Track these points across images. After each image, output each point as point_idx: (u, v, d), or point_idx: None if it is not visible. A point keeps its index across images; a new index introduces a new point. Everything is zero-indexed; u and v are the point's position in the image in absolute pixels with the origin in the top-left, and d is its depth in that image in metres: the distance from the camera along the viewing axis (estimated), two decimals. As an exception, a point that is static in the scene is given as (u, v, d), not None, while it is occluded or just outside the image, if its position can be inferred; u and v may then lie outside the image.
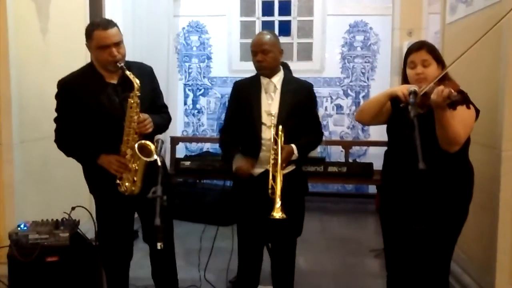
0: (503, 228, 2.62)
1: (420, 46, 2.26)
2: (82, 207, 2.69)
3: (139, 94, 2.37)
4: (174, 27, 6.16)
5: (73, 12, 3.49)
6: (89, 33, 2.39)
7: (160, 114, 2.64)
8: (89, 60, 3.59)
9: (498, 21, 2.14)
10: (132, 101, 2.37)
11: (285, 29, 6.13)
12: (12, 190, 2.91)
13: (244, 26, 6.22)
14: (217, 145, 6.17)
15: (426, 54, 2.22)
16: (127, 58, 2.48)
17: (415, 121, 1.95)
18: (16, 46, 2.84)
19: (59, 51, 3.26)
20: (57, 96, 2.50)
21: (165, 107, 2.76)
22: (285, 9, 6.17)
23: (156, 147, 2.22)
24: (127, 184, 2.43)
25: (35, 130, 3.04)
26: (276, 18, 6.19)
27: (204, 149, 6.19)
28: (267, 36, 2.60)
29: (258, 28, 6.16)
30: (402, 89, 2.17)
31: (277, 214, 2.36)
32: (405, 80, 2.32)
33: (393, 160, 2.39)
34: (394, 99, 2.28)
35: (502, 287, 2.63)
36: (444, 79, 2.10)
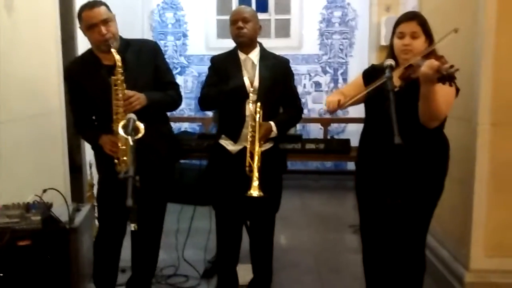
0: (478, 201, 2.65)
1: (412, 17, 2.23)
2: (55, 189, 2.61)
3: (121, 71, 2.33)
4: (148, 3, 6.00)
5: (40, -12, 3.35)
6: (79, 15, 2.41)
7: (165, 91, 2.57)
8: (58, 39, 3.53)
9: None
10: (115, 78, 2.34)
11: (262, 5, 6.03)
12: (-19, 174, 2.82)
13: (220, 2, 6.10)
14: (195, 125, 6.14)
15: (416, 26, 2.18)
16: None
17: (391, 95, 1.93)
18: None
19: (27, 30, 3.12)
20: (64, 82, 2.69)
21: (173, 83, 2.66)
22: (262, -16, 6.07)
23: (127, 126, 2.14)
24: (122, 164, 2.40)
25: (5, 112, 2.94)
26: (253, -6, 6.09)
27: (182, 129, 6.12)
28: (247, 8, 2.61)
29: (235, 4, 6.06)
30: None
31: (255, 192, 2.35)
32: (391, 50, 2.28)
33: (369, 135, 2.38)
34: (367, 76, 2.28)
35: (476, 260, 2.68)
36: (431, 54, 2.08)
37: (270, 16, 6.06)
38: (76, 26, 3.77)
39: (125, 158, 2.38)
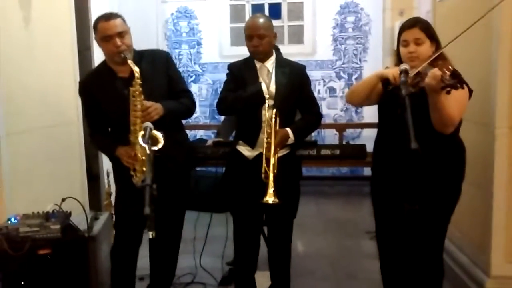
0: (497, 206, 2.61)
1: (413, 23, 2.22)
2: (73, 198, 2.64)
3: (140, 82, 2.36)
4: (163, 13, 6.08)
5: (57, 1, 3.41)
6: (95, 26, 2.45)
7: (179, 99, 2.60)
8: (75, 50, 3.58)
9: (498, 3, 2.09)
10: (133, 89, 2.36)
11: (275, 12, 6.05)
12: (1, 183, 2.86)
13: (233, 10, 6.13)
14: (210, 132, 6.15)
15: (419, 32, 2.17)
16: None
17: (406, 100, 1.92)
18: (-1, 37, 2.77)
19: (43, 41, 3.18)
20: (79, 94, 2.65)
21: (186, 91, 2.70)
22: (274, -9, 6.09)
23: (144, 135, 2.17)
24: (138, 175, 2.43)
25: (22, 122, 2.98)
26: (266, 1, 6.11)
27: (198, 137, 6.15)
28: (261, 20, 2.55)
29: (248, 12, 6.08)
30: (393, 72, 2.13)
31: (270, 198, 2.34)
32: (398, 58, 2.28)
33: (384, 141, 2.36)
34: (385, 79, 2.26)
35: (497, 265, 2.64)
36: (438, 59, 2.06)
37: (283, 23, 6.08)
38: (92, 37, 3.82)
39: (144, 168, 2.38)
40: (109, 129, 2.64)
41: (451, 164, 2.25)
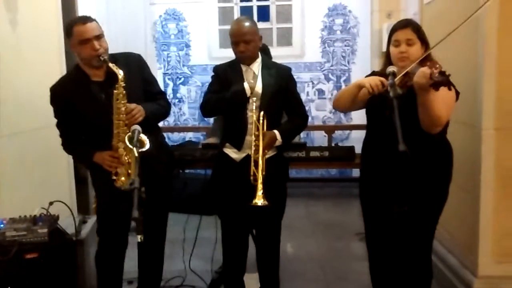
0: (484, 207, 2.63)
1: (406, 24, 2.25)
2: (61, 202, 2.62)
3: (124, 84, 2.34)
4: (151, 15, 6.05)
5: (44, 3, 3.38)
6: (69, 30, 2.38)
7: (156, 101, 2.59)
8: (62, 52, 3.56)
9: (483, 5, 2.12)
10: (117, 92, 2.34)
11: (263, 14, 6.06)
12: (-12, 187, 2.83)
13: (222, 12, 6.13)
14: (199, 134, 6.14)
15: (411, 33, 2.20)
16: None
17: (394, 102, 1.94)
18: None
19: (31, 43, 3.16)
20: (51, 103, 2.53)
21: (161, 93, 2.71)
22: (263, -6, 6.10)
23: (133, 138, 2.16)
24: (122, 178, 2.41)
25: (10, 125, 2.96)
26: (255, 3, 6.11)
27: (187, 139, 6.13)
28: (247, 24, 2.53)
29: (236, 14, 6.08)
30: (370, 81, 2.16)
31: (259, 201, 2.34)
32: (388, 58, 2.29)
33: (372, 143, 2.38)
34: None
35: (485, 266, 2.66)
36: (426, 60, 2.08)
37: (271, 25, 6.09)
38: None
39: (129, 171, 2.38)
40: (83, 137, 2.56)
41: (439, 166, 2.26)
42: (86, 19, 2.38)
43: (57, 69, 3.48)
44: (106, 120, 2.38)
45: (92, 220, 3.03)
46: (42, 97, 3.24)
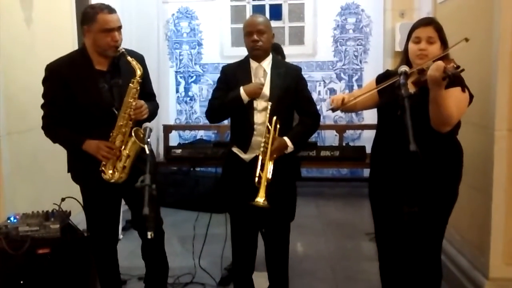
0: (496, 208, 2.61)
1: (429, 22, 2.23)
2: (73, 198, 2.65)
3: (140, 80, 2.38)
4: (163, 13, 6.08)
5: (58, 1, 3.42)
6: (92, 16, 2.35)
7: (150, 101, 2.61)
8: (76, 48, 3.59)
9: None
10: (132, 87, 2.37)
11: (276, 13, 6.05)
12: (1, 183, 2.87)
13: (234, 11, 6.13)
14: (211, 132, 6.16)
15: (433, 31, 2.18)
16: None
17: (406, 102, 1.93)
18: (0, 37, 2.78)
19: (45, 41, 3.20)
20: (45, 81, 2.44)
21: (153, 95, 2.73)
22: (276, -8, 6.09)
23: (144, 135, 2.18)
24: (110, 172, 2.40)
25: (22, 121, 3.00)
26: (267, 1, 6.10)
27: (198, 137, 6.15)
28: (261, 18, 2.58)
29: (248, 13, 6.07)
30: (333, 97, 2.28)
31: (260, 199, 2.35)
32: (406, 55, 2.28)
33: (383, 142, 2.37)
34: (381, 81, 2.30)
35: (496, 268, 2.63)
36: (443, 59, 2.07)
37: (284, 24, 6.07)
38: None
39: (124, 165, 2.39)
40: (71, 122, 2.45)
41: (448, 166, 2.25)
42: (112, 9, 2.39)
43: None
44: (103, 109, 2.38)
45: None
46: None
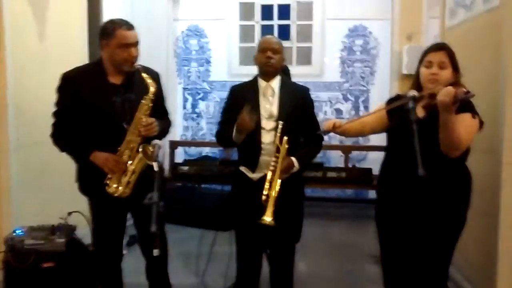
0: (504, 234, 2.59)
1: (441, 47, 2.26)
2: (79, 212, 2.66)
3: (152, 97, 2.40)
4: (173, 30, 6.15)
5: (71, 17, 3.48)
6: (111, 31, 2.40)
7: (162, 119, 2.63)
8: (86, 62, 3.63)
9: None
10: (144, 103, 2.40)
11: (284, 33, 6.10)
12: (8, 195, 2.89)
13: (243, 30, 6.20)
14: (216, 150, 6.17)
15: (445, 57, 2.20)
16: None
17: (414, 127, 1.94)
18: (13, 51, 2.82)
19: (57, 56, 3.25)
20: (59, 90, 2.47)
21: (167, 113, 2.75)
22: (284, 13, 6.14)
23: (153, 153, 2.20)
24: (114, 185, 2.40)
25: (32, 134, 3.03)
26: (276, 22, 6.17)
27: (204, 153, 6.16)
28: (277, 39, 2.67)
29: (257, 32, 6.14)
30: None
31: (268, 218, 2.35)
32: (417, 78, 2.30)
33: (391, 165, 2.37)
34: (391, 102, 2.33)
35: (503, 294, 2.61)
36: (454, 85, 2.09)
37: (292, 44, 6.13)
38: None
39: (129, 180, 2.40)
40: (81, 133, 2.47)
41: (457, 192, 2.24)
42: (131, 25, 2.44)
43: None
44: (114, 123, 2.40)
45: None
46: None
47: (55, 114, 2.50)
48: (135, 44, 2.43)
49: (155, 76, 2.58)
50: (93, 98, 2.41)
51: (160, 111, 2.63)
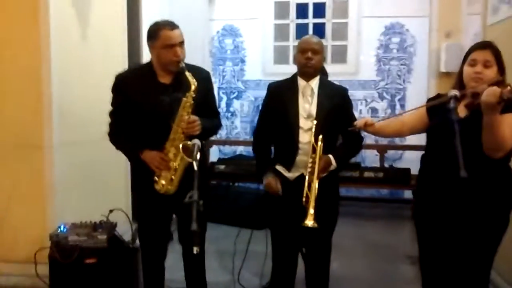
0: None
1: (486, 45, 2.20)
2: (121, 210, 2.73)
3: (194, 95, 2.41)
4: (209, 31, 6.21)
5: (112, 19, 3.57)
6: (155, 32, 2.45)
7: (211, 119, 2.64)
8: (126, 65, 3.72)
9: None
10: (186, 100, 2.41)
11: (319, 31, 6.07)
12: (53, 192, 2.99)
13: (278, 29, 6.21)
14: (250, 148, 6.19)
15: (490, 55, 2.15)
16: None
17: (456, 127, 1.90)
18: (58, 52, 2.91)
19: (99, 57, 3.34)
20: (112, 90, 2.56)
21: (217, 113, 2.77)
22: (319, 11, 6.12)
23: (193, 152, 2.22)
24: (163, 182, 2.45)
25: (76, 133, 3.12)
26: (311, 20, 6.15)
27: (238, 152, 6.21)
28: (316, 39, 2.64)
29: (292, 31, 6.14)
30: None
31: (310, 222, 2.36)
32: (460, 77, 2.25)
33: (431, 166, 2.33)
34: (431, 107, 2.30)
35: (546, 299, 2.53)
36: (499, 84, 2.04)
37: (326, 42, 6.09)
38: (142, 53, 4.00)
39: (173, 177, 2.43)
40: (133, 131, 2.55)
41: (500, 192, 2.18)
42: (174, 25, 2.47)
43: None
44: (162, 122, 2.43)
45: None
46: (105, 108, 3.42)
47: (110, 113, 2.59)
48: (180, 43, 2.45)
49: (204, 75, 2.62)
50: (143, 97, 2.47)
51: (209, 110, 2.65)
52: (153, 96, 2.48)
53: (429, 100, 2.41)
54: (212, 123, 2.64)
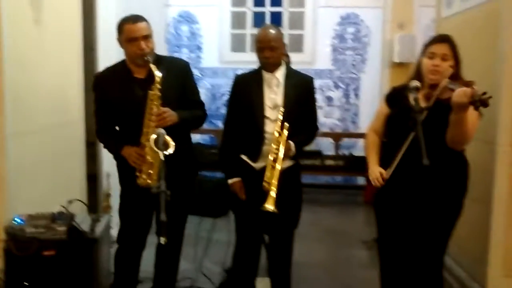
0: (496, 221, 2.67)
1: (445, 39, 2.28)
2: (80, 200, 2.66)
3: (159, 87, 2.39)
4: (164, 17, 6.09)
5: (66, 3, 3.42)
6: (119, 27, 2.48)
7: (191, 109, 2.62)
8: (81, 51, 3.60)
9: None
10: (152, 93, 2.40)
11: (276, 20, 6.10)
12: (5, 183, 2.86)
13: (235, 17, 6.17)
14: (207, 137, 6.17)
15: (448, 49, 2.23)
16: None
17: (417, 116, 1.98)
18: (10, 37, 2.77)
19: (53, 42, 3.19)
20: (92, 89, 2.63)
21: (199, 103, 2.74)
22: (276, 0, 6.14)
23: (157, 141, 2.19)
24: (144, 176, 2.44)
25: (30, 122, 2.98)
26: (268, 9, 6.16)
27: (195, 141, 6.14)
28: (273, 32, 2.58)
29: (249, 19, 6.13)
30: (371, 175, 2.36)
31: (270, 206, 2.38)
32: (417, 69, 2.33)
33: (391, 154, 2.40)
34: (391, 99, 2.39)
35: (494, 279, 2.69)
36: (457, 78, 2.13)
37: (283, 31, 6.10)
38: (97, 39, 3.88)
39: (150, 171, 2.42)
40: (117, 128, 2.64)
41: (456, 179, 2.30)
42: (137, 19, 2.45)
43: (75, 67, 3.53)
44: (139, 117, 2.42)
45: (104, 219, 3.04)
46: (61, 94, 3.30)
47: (94, 112, 2.64)
48: (144, 37, 2.43)
49: (181, 66, 2.63)
50: (120, 94, 2.51)
51: (190, 101, 2.63)
52: (129, 92, 2.50)
53: (387, 96, 2.48)
54: (191, 114, 2.61)
